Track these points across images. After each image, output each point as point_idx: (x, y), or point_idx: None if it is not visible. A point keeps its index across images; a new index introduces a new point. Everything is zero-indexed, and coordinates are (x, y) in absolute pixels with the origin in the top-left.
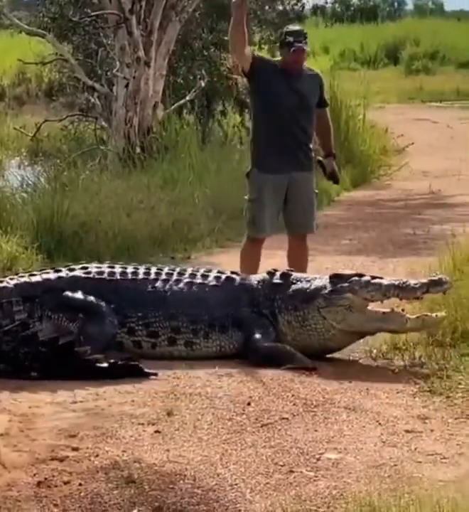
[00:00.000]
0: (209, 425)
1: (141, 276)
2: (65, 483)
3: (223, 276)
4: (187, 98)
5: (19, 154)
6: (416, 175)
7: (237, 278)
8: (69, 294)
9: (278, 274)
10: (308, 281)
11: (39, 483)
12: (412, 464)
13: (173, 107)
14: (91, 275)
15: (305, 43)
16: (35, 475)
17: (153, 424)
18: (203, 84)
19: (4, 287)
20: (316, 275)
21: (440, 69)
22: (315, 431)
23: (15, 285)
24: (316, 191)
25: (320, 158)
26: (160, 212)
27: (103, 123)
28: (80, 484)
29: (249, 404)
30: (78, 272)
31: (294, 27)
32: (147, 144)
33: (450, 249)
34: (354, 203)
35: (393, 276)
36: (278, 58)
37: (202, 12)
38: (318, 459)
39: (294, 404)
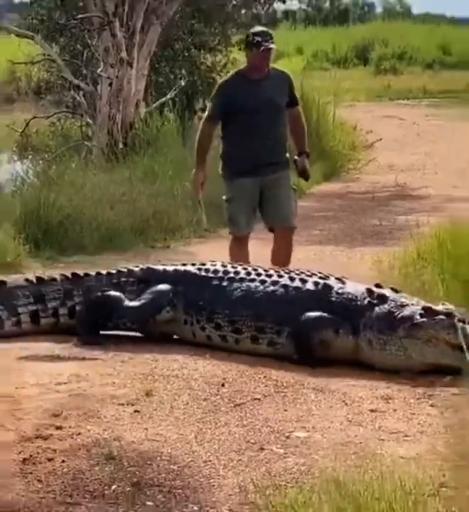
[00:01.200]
0: (186, 405)
1: (239, 276)
2: (49, 460)
3: (321, 283)
4: (168, 96)
5: (9, 149)
6: (383, 169)
7: (335, 286)
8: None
9: (376, 293)
10: (401, 306)
11: (24, 460)
12: (376, 442)
13: (154, 105)
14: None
15: (271, 42)
16: (20, 452)
17: (133, 405)
18: (183, 83)
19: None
20: (408, 300)
21: (407, 69)
22: (285, 411)
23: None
24: (294, 187)
25: (295, 157)
26: (141, 204)
27: (88, 120)
28: (63, 461)
29: (223, 385)
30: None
31: (260, 28)
32: (129, 139)
33: (415, 239)
34: (325, 196)
35: (360, 264)
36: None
37: (182, 15)
38: (288, 437)
39: (266, 386)
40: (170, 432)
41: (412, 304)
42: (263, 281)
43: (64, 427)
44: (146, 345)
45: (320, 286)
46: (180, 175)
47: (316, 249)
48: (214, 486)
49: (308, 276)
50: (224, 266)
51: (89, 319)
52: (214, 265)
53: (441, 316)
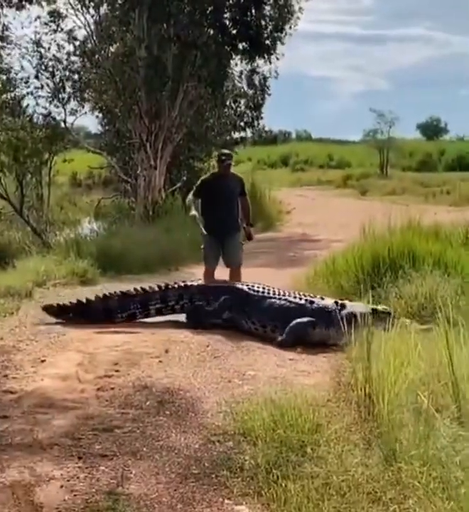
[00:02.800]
0: (187, 357)
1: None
2: (112, 388)
3: (310, 302)
4: (177, 186)
5: (88, 216)
6: (296, 224)
7: (315, 304)
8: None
9: (340, 303)
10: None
11: (98, 389)
12: (292, 377)
13: (169, 191)
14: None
15: (230, 160)
16: (95, 385)
17: (158, 357)
18: (185, 178)
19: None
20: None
21: (309, 168)
22: (242, 360)
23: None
24: (242, 242)
25: (244, 226)
26: (163, 246)
27: (132, 199)
28: (119, 389)
29: (207, 346)
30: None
31: (224, 151)
32: (156, 210)
33: (313, 264)
34: (263, 240)
35: (284, 279)
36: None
37: (184, 140)
38: (244, 375)
39: (232, 346)
40: (179, 372)
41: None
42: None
43: (120, 370)
44: (165, 325)
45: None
46: (184, 230)
47: (259, 270)
48: (202, 402)
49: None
50: (260, 286)
51: (192, 314)
52: (253, 285)
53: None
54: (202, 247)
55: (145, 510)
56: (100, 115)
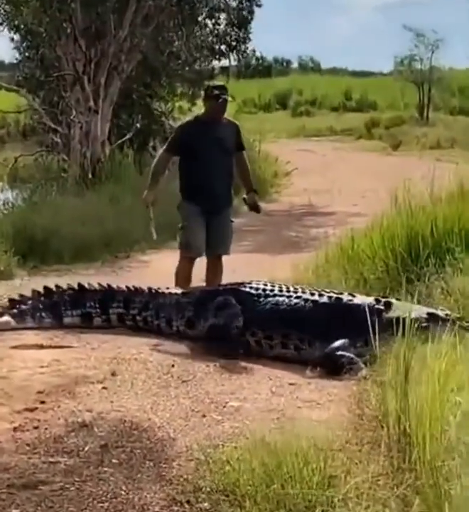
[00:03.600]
0: (143, 382)
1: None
2: (35, 428)
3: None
4: (127, 137)
5: (1, 180)
6: (298, 191)
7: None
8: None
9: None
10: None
11: (15, 428)
12: (294, 409)
13: (116, 144)
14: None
15: (226, 95)
16: (12, 422)
17: (101, 382)
18: (139, 126)
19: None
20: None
21: (318, 112)
22: (222, 385)
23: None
24: (232, 220)
25: (244, 196)
26: (107, 222)
27: (64, 156)
28: (46, 428)
29: (173, 366)
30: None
31: (218, 82)
32: (97, 171)
33: (323, 247)
34: (253, 214)
35: (281, 268)
36: (198, 111)
37: (137, 71)
38: (224, 406)
39: (207, 366)
40: (131, 404)
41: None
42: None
43: (47, 401)
44: (112, 335)
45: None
46: (137, 199)
47: (246, 256)
48: (166, 446)
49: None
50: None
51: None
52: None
53: None
54: (180, 226)
55: None
56: (17, 37)
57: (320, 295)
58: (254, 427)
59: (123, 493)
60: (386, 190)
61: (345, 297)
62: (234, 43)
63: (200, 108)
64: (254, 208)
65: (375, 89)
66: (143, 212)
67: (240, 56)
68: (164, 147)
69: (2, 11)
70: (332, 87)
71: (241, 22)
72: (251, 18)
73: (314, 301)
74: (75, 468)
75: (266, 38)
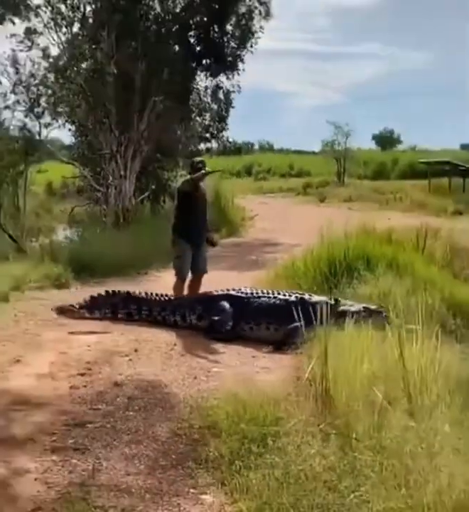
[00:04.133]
0: (156, 355)
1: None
2: (84, 386)
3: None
4: (146, 194)
5: (63, 223)
6: (258, 230)
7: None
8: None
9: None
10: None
11: (71, 387)
12: (254, 373)
13: (139, 199)
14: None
15: (206, 168)
16: (69, 383)
17: (127, 356)
18: (153, 187)
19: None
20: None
21: (271, 177)
22: (206, 358)
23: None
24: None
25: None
26: (133, 250)
27: (104, 207)
28: (91, 387)
29: (175, 344)
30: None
31: (199, 158)
32: (126, 217)
33: (274, 267)
34: (227, 245)
35: (246, 281)
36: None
37: (152, 152)
38: (209, 372)
39: (197, 345)
40: (148, 370)
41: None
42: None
43: (93, 369)
44: (135, 325)
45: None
46: (152, 235)
47: (223, 273)
48: (170, 397)
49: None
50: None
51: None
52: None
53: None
54: (175, 256)
55: (115, 501)
56: (73, 128)
57: (290, 295)
58: (228, 385)
59: (141, 428)
60: (316, 229)
61: (306, 296)
62: (215, 132)
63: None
64: (212, 242)
65: (309, 163)
66: (155, 244)
67: (219, 141)
68: (175, 207)
69: (64, 112)
70: (281, 161)
71: (220, 118)
72: (227, 116)
73: (285, 300)
74: (110, 412)
75: (238, 128)
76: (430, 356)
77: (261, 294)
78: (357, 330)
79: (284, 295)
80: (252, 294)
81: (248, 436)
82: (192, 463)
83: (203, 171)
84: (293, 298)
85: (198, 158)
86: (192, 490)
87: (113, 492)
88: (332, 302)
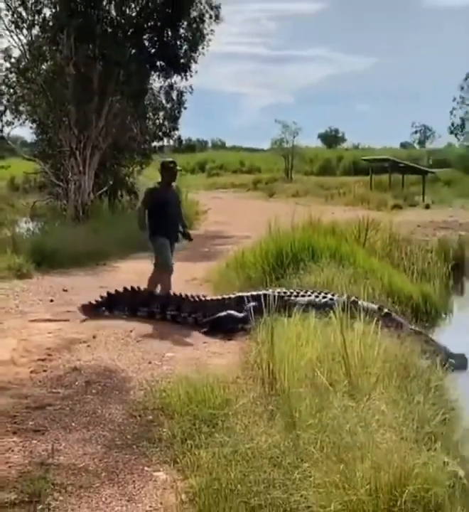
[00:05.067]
0: (113, 341)
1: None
2: (44, 371)
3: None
4: (104, 189)
5: (25, 216)
6: (211, 223)
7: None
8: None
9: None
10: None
11: (31, 371)
12: (206, 358)
13: (97, 194)
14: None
15: (177, 166)
16: (29, 368)
17: (86, 342)
18: (111, 183)
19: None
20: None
21: (223, 173)
22: (160, 343)
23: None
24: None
25: (181, 230)
26: (92, 243)
27: (64, 201)
28: (51, 371)
29: (131, 331)
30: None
31: (170, 159)
32: (85, 211)
33: (225, 258)
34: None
35: (199, 270)
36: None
37: (110, 148)
38: (163, 356)
39: (154, 331)
40: (104, 355)
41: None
42: None
43: (52, 354)
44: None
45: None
46: (110, 228)
47: (178, 264)
48: (126, 381)
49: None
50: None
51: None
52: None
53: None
54: (159, 253)
55: (73, 479)
56: (34, 126)
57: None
58: (180, 369)
59: (98, 410)
60: (265, 222)
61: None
62: (168, 131)
63: (147, 170)
64: (188, 237)
65: (259, 160)
66: (113, 237)
67: (171, 139)
68: (140, 205)
69: (25, 110)
70: (233, 158)
71: (173, 117)
72: (180, 115)
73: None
74: (69, 395)
75: (192, 127)
76: (370, 341)
77: (301, 293)
78: (303, 317)
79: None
80: (292, 293)
81: (199, 417)
82: (146, 442)
83: (175, 170)
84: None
85: (169, 159)
86: (146, 468)
87: (71, 471)
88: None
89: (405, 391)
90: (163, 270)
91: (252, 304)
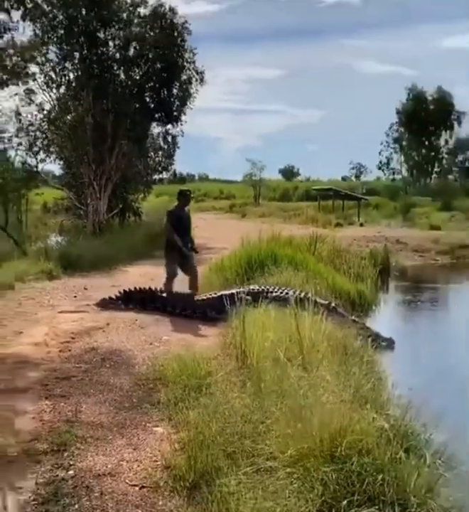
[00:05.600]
0: (123, 328)
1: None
2: (69, 350)
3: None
4: (115, 211)
5: (54, 232)
6: (198, 237)
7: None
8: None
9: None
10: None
11: (60, 350)
12: (194, 340)
13: (110, 215)
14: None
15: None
16: (58, 348)
17: (101, 328)
18: (121, 206)
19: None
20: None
21: (207, 199)
22: (159, 329)
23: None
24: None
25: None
26: (106, 251)
27: (85, 220)
28: (75, 351)
29: (136, 320)
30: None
31: (185, 188)
32: (100, 228)
33: (209, 264)
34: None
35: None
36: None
37: (120, 180)
38: (161, 339)
39: (154, 320)
40: (116, 338)
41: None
42: None
43: (75, 338)
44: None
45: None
46: (120, 239)
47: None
48: (132, 358)
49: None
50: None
51: None
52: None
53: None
54: (167, 261)
55: (91, 432)
56: (61, 162)
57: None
58: (175, 348)
59: (111, 380)
60: (238, 237)
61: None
62: (165, 166)
63: (150, 199)
64: (195, 250)
65: (234, 189)
66: (122, 247)
67: (168, 173)
68: (167, 223)
69: (54, 151)
70: (214, 187)
71: (169, 156)
72: (174, 154)
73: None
74: (89, 369)
75: (184, 163)
76: (318, 327)
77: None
78: (267, 308)
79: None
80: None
81: (188, 385)
82: (148, 405)
83: (188, 198)
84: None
85: (185, 188)
86: (148, 424)
87: (90, 426)
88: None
89: (344, 364)
90: (168, 276)
91: (229, 300)
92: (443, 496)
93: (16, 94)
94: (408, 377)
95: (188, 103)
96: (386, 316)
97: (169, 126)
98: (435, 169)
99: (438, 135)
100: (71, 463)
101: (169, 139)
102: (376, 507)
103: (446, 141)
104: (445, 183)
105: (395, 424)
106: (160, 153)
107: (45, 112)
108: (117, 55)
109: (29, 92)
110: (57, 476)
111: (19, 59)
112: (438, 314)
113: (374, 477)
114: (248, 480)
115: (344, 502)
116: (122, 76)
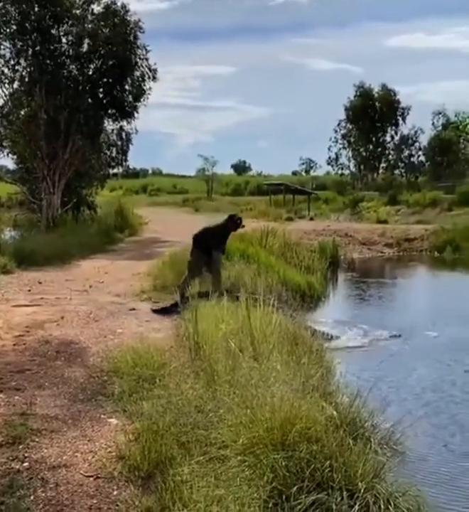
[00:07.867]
0: (76, 321)
1: None
2: (24, 344)
3: None
4: (69, 206)
5: (8, 226)
6: (151, 231)
7: None
8: None
9: None
10: None
11: (14, 344)
12: (148, 332)
13: (64, 209)
14: None
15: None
16: (12, 341)
17: (56, 322)
18: (75, 201)
19: None
20: None
21: (161, 194)
22: (114, 322)
23: None
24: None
25: None
26: (60, 245)
27: (39, 215)
28: (29, 344)
29: (90, 313)
30: None
31: (240, 216)
32: (54, 222)
33: (162, 257)
34: (129, 242)
35: (142, 267)
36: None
37: (73, 175)
38: (115, 332)
39: (107, 313)
40: (70, 331)
41: None
42: None
43: (30, 331)
44: (61, 301)
45: None
46: (74, 234)
47: (127, 262)
48: (86, 351)
49: None
50: None
51: None
52: None
53: None
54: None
55: (46, 425)
56: (15, 157)
57: None
58: (128, 341)
59: (66, 373)
60: (191, 230)
61: None
62: (119, 162)
63: (104, 193)
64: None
65: (187, 183)
66: (76, 242)
67: (122, 168)
68: (219, 245)
69: (8, 146)
70: (168, 182)
71: (123, 151)
72: (128, 150)
73: None
74: (43, 362)
75: (137, 158)
76: (268, 317)
77: None
78: (219, 301)
79: None
80: None
81: (142, 377)
82: (102, 397)
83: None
84: None
85: (239, 215)
86: (102, 416)
87: (45, 419)
88: None
89: (294, 355)
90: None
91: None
92: (389, 481)
93: None
94: (355, 366)
95: (141, 99)
96: (334, 306)
97: (123, 122)
98: (382, 164)
99: (385, 131)
100: (26, 455)
101: (123, 134)
102: (325, 493)
103: (392, 137)
104: (392, 178)
105: (343, 412)
106: (114, 149)
107: None
108: (70, 51)
109: None
110: (12, 468)
111: None
112: (382, 302)
113: (322, 464)
114: (201, 468)
115: (294, 488)
116: (75, 72)
